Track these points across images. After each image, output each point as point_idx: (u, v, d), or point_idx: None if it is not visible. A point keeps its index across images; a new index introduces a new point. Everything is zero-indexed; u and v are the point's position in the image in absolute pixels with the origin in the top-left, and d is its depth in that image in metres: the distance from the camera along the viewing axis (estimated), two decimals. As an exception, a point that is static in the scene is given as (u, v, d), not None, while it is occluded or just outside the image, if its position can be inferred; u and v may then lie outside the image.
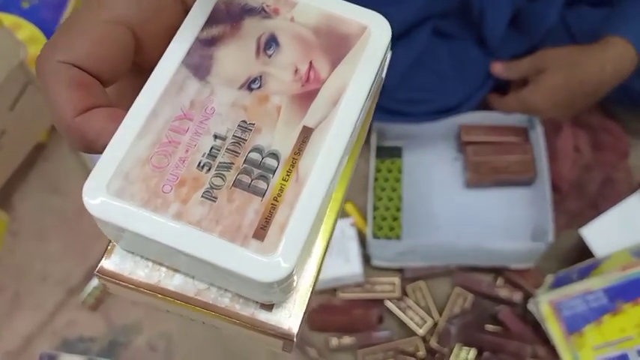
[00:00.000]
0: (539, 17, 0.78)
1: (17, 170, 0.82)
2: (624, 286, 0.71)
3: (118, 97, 0.25)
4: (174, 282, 0.21)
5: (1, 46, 0.68)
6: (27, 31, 0.85)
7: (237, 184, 0.20)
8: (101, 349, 0.77)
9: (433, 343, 0.77)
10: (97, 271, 0.22)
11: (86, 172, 0.85)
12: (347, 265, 0.78)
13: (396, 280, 0.80)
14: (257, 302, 0.21)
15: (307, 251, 0.21)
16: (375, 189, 0.82)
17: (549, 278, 0.78)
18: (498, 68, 0.80)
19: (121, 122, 0.21)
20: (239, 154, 0.21)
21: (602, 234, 0.77)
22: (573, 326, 0.71)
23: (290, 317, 0.21)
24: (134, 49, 0.23)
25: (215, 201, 0.20)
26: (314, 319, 0.79)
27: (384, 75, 0.25)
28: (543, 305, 0.73)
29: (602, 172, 0.85)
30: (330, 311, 0.79)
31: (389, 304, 0.79)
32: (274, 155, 0.21)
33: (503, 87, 0.83)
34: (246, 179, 0.20)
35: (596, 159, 0.85)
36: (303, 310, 0.21)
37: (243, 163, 0.20)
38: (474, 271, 0.81)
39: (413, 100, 0.79)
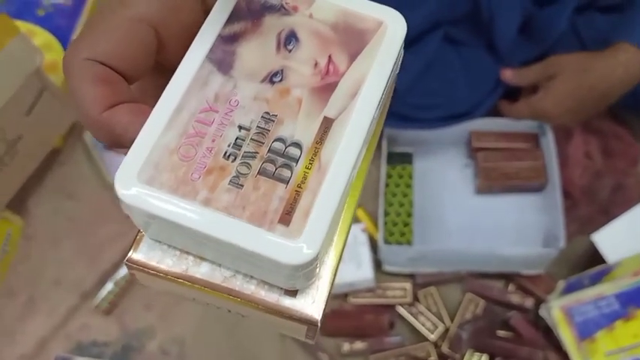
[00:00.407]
0: (549, 24, 0.79)
1: (32, 175, 0.83)
2: (636, 291, 0.70)
3: (140, 95, 0.25)
4: (202, 270, 0.22)
5: (18, 52, 0.69)
6: (42, 38, 0.87)
7: (262, 172, 0.21)
8: (114, 353, 0.78)
9: (445, 348, 0.77)
10: (127, 261, 0.22)
11: (101, 177, 0.86)
12: (358, 271, 0.79)
13: (408, 285, 0.80)
14: (281, 289, 0.22)
15: (330, 238, 0.21)
16: (385, 194, 0.83)
17: (561, 284, 0.78)
18: (508, 75, 0.81)
19: (146, 117, 0.22)
20: (263, 143, 0.21)
21: (614, 240, 0.77)
22: (585, 332, 0.71)
23: (313, 303, 0.22)
24: (156, 47, 0.24)
25: (241, 188, 0.20)
26: (325, 324, 0.79)
27: (398, 71, 0.26)
28: (555, 311, 0.73)
29: (613, 179, 0.85)
30: (341, 316, 0.79)
31: (400, 309, 0.79)
32: (297, 145, 0.21)
33: (513, 93, 0.83)
34: (270, 167, 0.21)
35: (606, 165, 0.85)
36: (326, 297, 0.22)
37: (268, 152, 0.21)
38: (485, 277, 0.81)
39: (423, 105, 0.80)
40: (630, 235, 0.77)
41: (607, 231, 0.77)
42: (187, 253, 0.22)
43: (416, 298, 0.80)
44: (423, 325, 0.78)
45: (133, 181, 0.20)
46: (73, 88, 0.23)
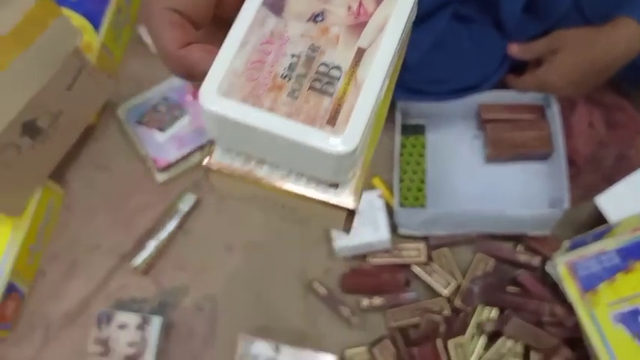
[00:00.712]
0: (554, 2, 0.83)
1: (69, 150, 0.89)
2: (635, 246, 0.76)
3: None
4: (263, 171, 0.28)
5: (60, 31, 0.75)
6: (77, 22, 0.93)
7: (311, 88, 0.27)
8: (152, 308, 0.84)
9: (457, 302, 0.82)
10: (204, 166, 0.28)
11: (134, 150, 0.92)
12: (376, 233, 0.84)
13: (422, 246, 0.85)
14: (325, 184, 0.27)
15: (365, 139, 0.27)
16: (400, 163, 0.88)
17: (566, 243, 0.82)
18: (515, 49, 0.86)
19: (213, 54, 0.28)
20: (311, 67, 0.27)
21: (616, 202, 0.82)
22: (588, 285, 0.76)
23: (351, 195, 0.28)
24: (216, 1, 0.30)
25: (296, 100, 0.26)
26: (347, 282, 0.85)
27: (414, 17, 0.31)
28: (560, 266, 0.78)
29: (617, 149, 0.89)
30: (361, 275, 0.85)
31: (415, 268, 0.85)
32: (337, 68, 0.27)
33: (519, 68, 0.88)
34: (318, 85, 0.27)
35: (610, 136, 0.90)
36: (361, 190, 0.28)
37: (315, 74, 0.27)
38: (495, 239, 0.87)
39: (434, 79, 0.85)
40: (631, 197, 0.82)
41: (610, 194, 0.82)
42: (251, 157, 0.28)
43: (430, 258, 0.86)
44: (437, 281, 0.84)
45: (214, 96, 0.26)
46: (155, 31, 0.29)
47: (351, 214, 0.28)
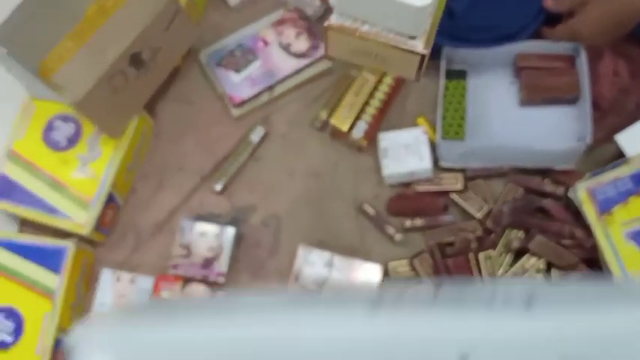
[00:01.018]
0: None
1: (160, 86, 1.04)
2: (647, 173, 0.87)
3: None
4: (365, 27, 0.42)
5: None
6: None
7: None
8: (226, 222, 0.99)
9: (489, 223, 0.95)
10: (325, 27, 0.43)
11: (213, 89, 1.07)
12: (420, 162, 0.97)
13: (459, 176, 0.98)
14: (406, 36, 0.41)
15: (434, 3, 0.41)
16: (443, 103, 1.01)
17: (588, 175, 0.94)
18: (549, 3, 0.96)
19: None
20: None
21: (634, 139, 0.93)
22: (605, 207, 0.88)
23: (423, 44, 0.41)
24: None
25: None
26: (392, 205, 0.99)
27: None
28: (581, 192, 0.90)
29: (638, 95, 1.00)
30: (405, 199, 0.99)
31: (453, 195, 0.98)
32: None
33: (554, 20, 1.00)
34: None
35: (632, 84, 1.00)
36: (431, 42, 0.42)
37: None
38: (525, 173, 0.98)
39: (477, 27, 0.97)
40: (650, 136, 0.92)
41: (629, 132, 0.93)
42: (357, 19, 0.42)
43: (466, 187, 0.98)
44: (471, 206, 0.96)
45: None
46: None
47: (422, 60, 0.42)
